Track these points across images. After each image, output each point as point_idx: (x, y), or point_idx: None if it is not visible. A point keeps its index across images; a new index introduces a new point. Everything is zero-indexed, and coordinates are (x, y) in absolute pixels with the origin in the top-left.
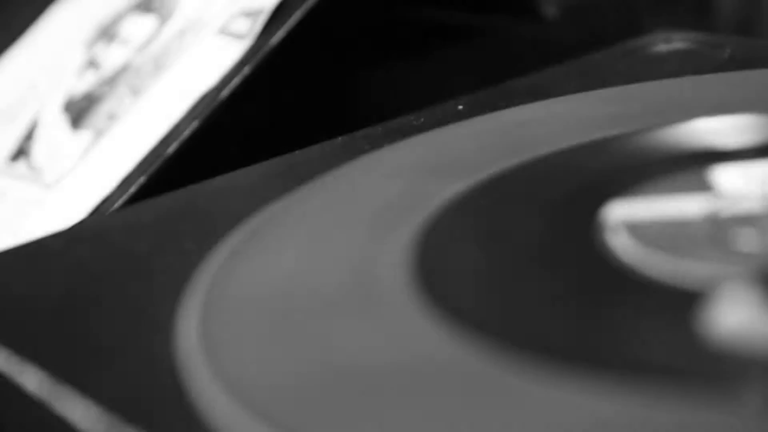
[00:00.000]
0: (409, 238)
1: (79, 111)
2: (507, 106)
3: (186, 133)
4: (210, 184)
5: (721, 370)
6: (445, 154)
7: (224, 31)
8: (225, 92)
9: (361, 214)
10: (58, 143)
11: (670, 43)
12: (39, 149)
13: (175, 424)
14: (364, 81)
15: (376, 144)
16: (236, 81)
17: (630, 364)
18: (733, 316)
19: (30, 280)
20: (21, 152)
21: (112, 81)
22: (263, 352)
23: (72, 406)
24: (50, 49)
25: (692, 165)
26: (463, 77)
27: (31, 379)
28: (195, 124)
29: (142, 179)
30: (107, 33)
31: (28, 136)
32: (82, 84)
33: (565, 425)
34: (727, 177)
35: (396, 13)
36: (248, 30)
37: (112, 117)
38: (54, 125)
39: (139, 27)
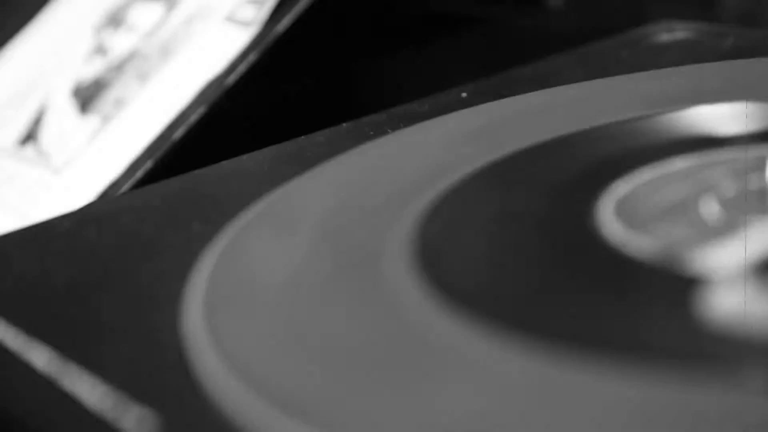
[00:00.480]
0: (411, 221)
1: (87, 96)
2: (510, 94)
3: (193, 118)
4: (216, 169)
5: (719, 352)
6: (447, 140)
7: (231, 18)
8: (231, 78)
9: (365, 198)
10: (66, 128)
11: (672, 32)
12: (47, 134)
13: (180, 402)
14: (370, 68)
15: (380, 130)
16: (242, 67)
17: (627, 346)
18: (727, 300)
19: (38, 261)
20: (29, 137)
21: (119, 67)
22: (267, 331)
23: (79, 384)
24: (59, 34)
25: (693, 151)
26: (467, 65)
27: (39, 358)
28: (202, 110)
29: (149, 164)
30: (115, 19)
31: (37, 121)
32: (90, 69)
33: (565, 405)
34: (724, 164)
35: (401, 3)
36: (254, 17)
37: (119, 102)
38: (62, 110)
39: (146, 13)
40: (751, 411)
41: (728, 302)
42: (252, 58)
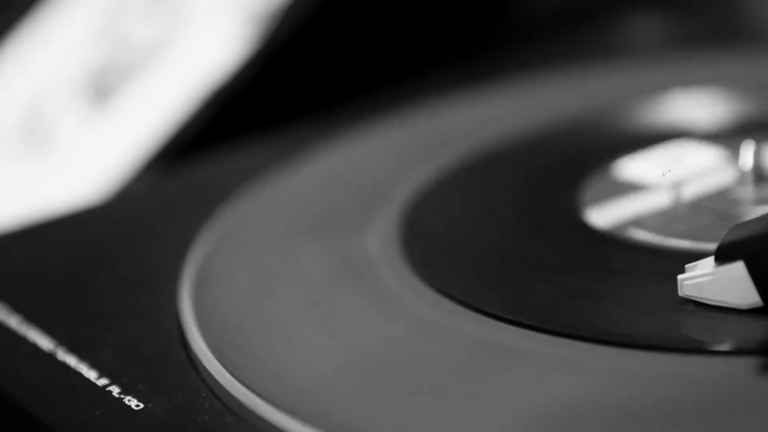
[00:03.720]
0: (397, 216)
1: (92, 85)
2: (495, 81)
3: (197, 110)
4: (211, 160)
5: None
6: (426, 135)
7: (240, 11)
8: (237, 71)
9: (351, 186)
10: (69, 117)
11: (646, 17)
12: (50, 123)
13: (177, 384)
14: (359, 56)
15: (367, 118)
16: (248, 60)
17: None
18: (690, 280)
19: (39, 250)
20: (33, 125)
21: (126, 55)
22: (254, 312)
23: (78, 367)
24: (62, 20)
25: (665, 139)
26: (449, 47)
27: (40, 342)
28: (205, 102)
29: (151, 155)
30: (121, 7)
31: (40, 110)
32: (95, 58)
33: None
34: (695, 152)
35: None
36: (263, 11)
37: (124, 92)
38: (66, 100)
39: (154, 4)
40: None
41: (687, 283)
42: (258, 51)
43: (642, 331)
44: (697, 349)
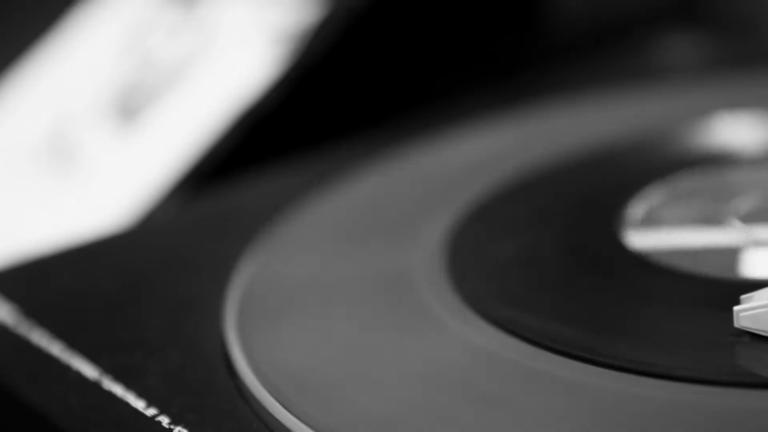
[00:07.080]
0: (439, 238)
1: (118, 105)
2: (522, 101)
3: (228, 130)
4: (248, 183)
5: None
6: (462, 158)
7: (270, 30)
8: (269, 90)
9: (393, 209)
10: (95, 137)
11: (676, 39)
12: (75, 143)
13: (224, 413)
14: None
15: (402, 140)
16: (277, 81)
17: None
18: (746, 312)
19: (79, 277)
20: (58, 145)
21: (153, 75)
22: (302, 340)
23: (125, 396)
24: (88, 38)
25: (713, 163)
26: (472, 72)
27: (86, 369)
28: (234, 123)
29: (178, 175)
30: (147, 25)
31: (65, 130)
32: (122, 77)
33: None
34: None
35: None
36: (293, 30)
37: (151, 112)
38: (92, 119)
39: (181, 22)
40: None
41: (743, 314)
42: (289, 70)
43: (698, 364)
44: (755, 382)
